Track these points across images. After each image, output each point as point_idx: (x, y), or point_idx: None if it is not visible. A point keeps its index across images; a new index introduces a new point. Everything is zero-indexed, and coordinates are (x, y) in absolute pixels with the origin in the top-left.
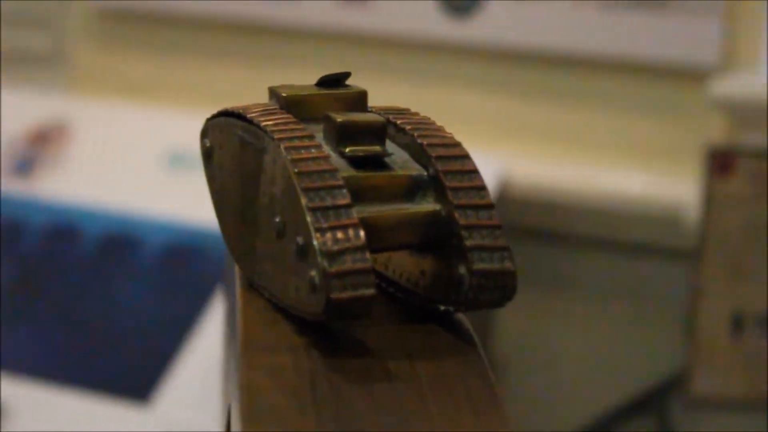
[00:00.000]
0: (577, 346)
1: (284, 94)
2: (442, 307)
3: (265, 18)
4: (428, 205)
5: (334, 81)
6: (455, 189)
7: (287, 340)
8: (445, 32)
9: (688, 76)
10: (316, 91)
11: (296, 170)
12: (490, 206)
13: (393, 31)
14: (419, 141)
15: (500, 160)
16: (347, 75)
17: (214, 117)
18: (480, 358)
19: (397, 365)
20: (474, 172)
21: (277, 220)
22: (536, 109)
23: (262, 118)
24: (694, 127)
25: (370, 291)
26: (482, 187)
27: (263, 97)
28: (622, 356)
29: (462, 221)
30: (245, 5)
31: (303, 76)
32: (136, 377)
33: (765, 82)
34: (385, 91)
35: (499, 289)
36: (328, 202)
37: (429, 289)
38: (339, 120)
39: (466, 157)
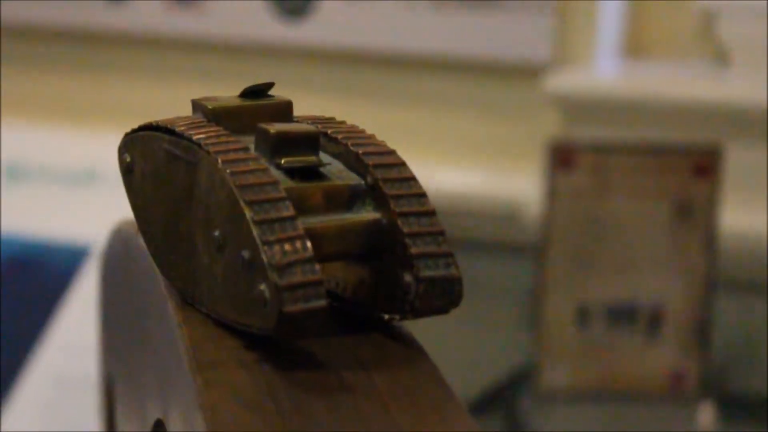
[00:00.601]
0: (423, 345)
1: (210, 107)
2: (387, 316)
3: (95, 24)
4: (368, 214)
5: (258, 92)
6: (396, 197)
7: (237, 355)
8: (278, 35)
9: (523, 72)
10: (241, 102)
11: (237, 183)
12: (431, 213)
13: (224, 35)
14: (353, 150)
15: None
16: (271, 85)
17: (134, 131)
18: (433, 367)
19: (353, 377)
20: (412, 179)
21: (216, 234)
22: (373, 110)
23: (193, 132)
24: (531, 123)
25: (322, 302)
26: (422, 194)
27: (100, 105)
28: (469, 354)
29: (406, 229)
30: (74, 11)
31: (136, 83)
32: None
33: (598, 76)
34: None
35: (446, 295)
36: (273, 214)
37: (371, 299)
38: (273, 131)
39: (402, 164)
